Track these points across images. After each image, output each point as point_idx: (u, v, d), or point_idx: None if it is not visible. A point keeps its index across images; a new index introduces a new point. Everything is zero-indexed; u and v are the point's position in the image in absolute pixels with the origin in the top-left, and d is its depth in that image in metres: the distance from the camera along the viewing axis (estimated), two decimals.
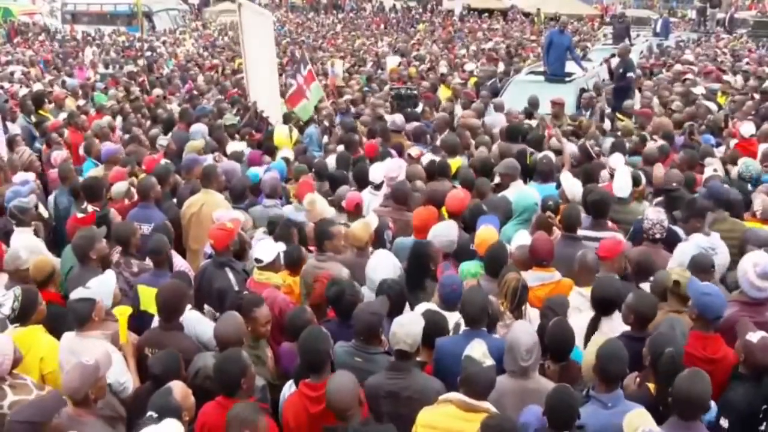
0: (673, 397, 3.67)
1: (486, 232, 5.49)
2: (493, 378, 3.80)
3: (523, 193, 6.64)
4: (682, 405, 3.64)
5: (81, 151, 9.02)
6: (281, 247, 5.39)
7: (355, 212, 6.39)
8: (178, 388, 3.75)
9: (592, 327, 4.63)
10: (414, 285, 5.23)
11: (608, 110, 11.81)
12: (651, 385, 4.04)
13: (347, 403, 3.69)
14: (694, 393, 3.62)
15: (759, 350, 4.10)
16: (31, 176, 7.57)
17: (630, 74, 12.03)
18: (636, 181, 6.70)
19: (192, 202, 6.79)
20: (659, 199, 6.82)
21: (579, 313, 4.90)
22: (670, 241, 5.72)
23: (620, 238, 5.52)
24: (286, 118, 10.90)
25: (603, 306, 4.67)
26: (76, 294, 4.58)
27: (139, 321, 5.21)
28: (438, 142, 9.19)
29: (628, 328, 4.53)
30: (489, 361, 3.78)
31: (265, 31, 11.36)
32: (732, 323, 4.58)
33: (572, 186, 6.70)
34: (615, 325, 4.61)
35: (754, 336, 4.16)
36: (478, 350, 3.82)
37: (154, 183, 6.80)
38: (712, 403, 3.86)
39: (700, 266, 4.96)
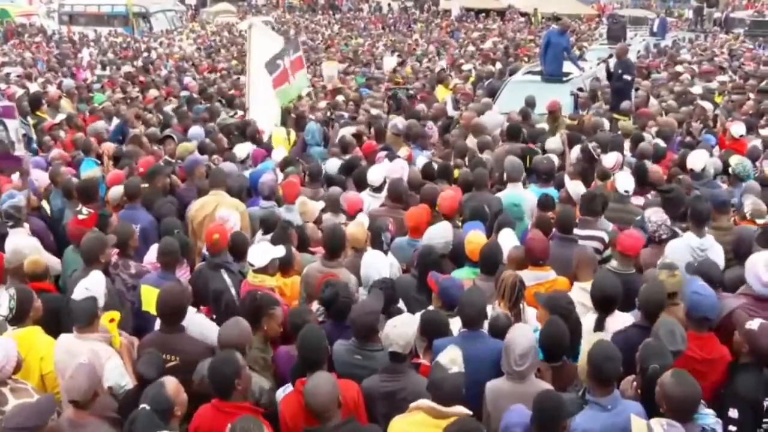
0: (666, 401, 3.66)
1: (476, 237, 5.47)
2: (458, 384, 3.74)
3: (511, 194, 6.73)
4: (676, 407, 3.63)
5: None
6: (276, 252, 5.35)
7: (357, 216, 6.37)
8: (170, 383, 3.75)
9: (598, 327, 4.63)
10: (423, 289, 5.20)
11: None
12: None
13: (324, 404, 3.68)
14: (684, 395, 3.62)
15: (761, 335, 4.11)
16: (43, 175, 7.58)
17: (626, 76, 12.00)
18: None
19: (203, 204, 6.74)
20: (650, 198, 6.84)
21: (585, 310, 4.89)
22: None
23: (638, 234, 5.48)
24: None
25: (604, 304, 4.67)
26: (77, 295, 4.56)
27: (139, 321, 5.22)
28: (436, 138, 9.22)
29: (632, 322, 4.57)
30: (456, 368, 3.75)
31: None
32: (739, 315, 4.62)
33: (576, 187, 6.71)
34: (619, 323, 4.61)
35: (754, 323, 4.18)
36: (446, 356, 3.81)
37: (140, 184, 6.79)
38: (708, 411, 3.85)
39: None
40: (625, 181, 6.61)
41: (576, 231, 5.94)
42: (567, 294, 4.81)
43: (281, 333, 4.73)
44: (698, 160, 7.22)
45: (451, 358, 3.80)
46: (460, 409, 3.72)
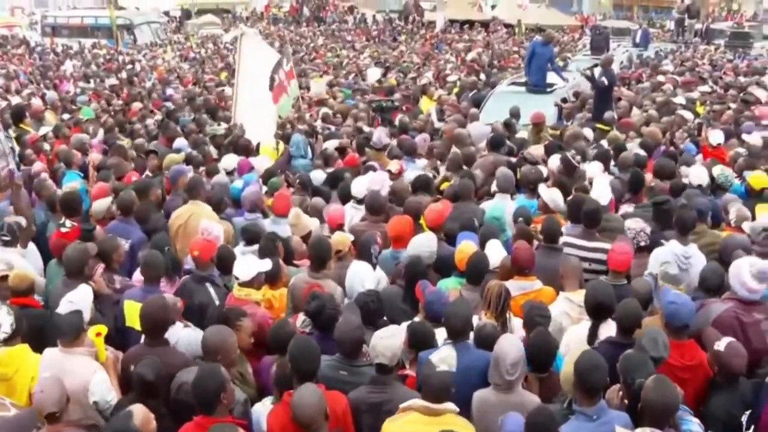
0: (644, 404, 3.70)
1: (467, 248, 5.49)
2: (446, 381, 3.82)
3: (493, 205, 6.79)
4: (653, 412, 3.67)
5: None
6: (263, 265, 5.33)
7: (338, 230, 6.36)
8: (138, 412, 3.68)
9: (592, 335, 4.64)
10: (409, 299, 5.24)
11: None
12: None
13: (311, 417, 3.67)
14: (663, 400, 3.66)
15: (729, 356, 4.18)
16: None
17: (605, 82, 12.01)
18: None
19: (179, 213, 6.75)
20: (633, 208, 6.88)
21: (571, 321, 4.96)
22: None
23: (628, 249, 5.47)
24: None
25: (597, 312, 4.68)
26: (62, 308, 4.51)
27: (123, 337, 5.18)
28: (424, 150, 9.22)
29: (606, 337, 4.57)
30: (444, 367, 3.81)
31: (269, 66, 11.30)
32: (726, 319, 4.70)
33: (552, 195, 6.73)
34: (613, 332, 4.60)
35: (721, 344, 4.24)
36: (437, 355, 3.87)
37: (135, 198, 6.76)
38: (692, 418, 3.88)
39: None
40: (600, 194, 6.62)
41: (579, 242, 5.96)
42: (543, 306, 4.82)
43: (252, 344, 4.72)
44: (702, 174, 7.25)
45: (442, 357, 3.87)
46: (451, 407, 3.77)
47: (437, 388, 3.80)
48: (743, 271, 4.79)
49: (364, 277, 5.18)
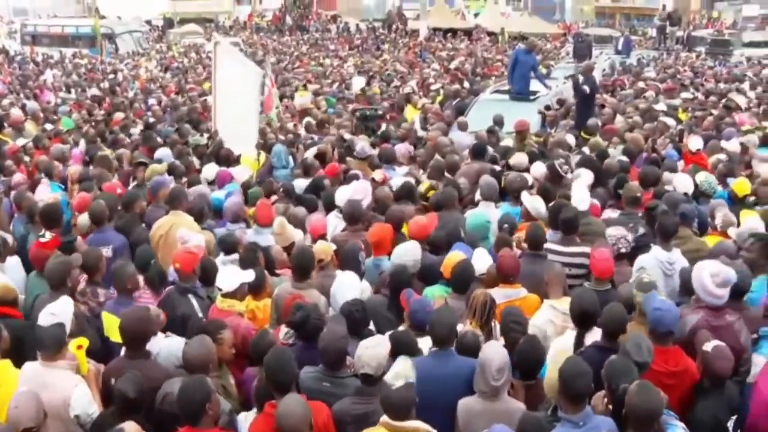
0: (627, 409, 3.70)
1: (455, 257, 5.47)
2: (406, 397, 3.77)
3: (474, 213, 6.79)
4: (637, 417, 3.66)
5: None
6: (246, 276, 5.29)
7: (320, 240, 6.34)
8: (131, 429, 3.64)
9: (578, 344, 4.64)
10: (394, 308, 5.22)
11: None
12: None
13: (296, 427, 3.63)
14: (646, 405, 3.65)
15: (714, 357, 4.20)
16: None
17: (587, 89, 12.06)
18: None
19: (161, 224, 6.72)
20: (616, 215, 6.90)
21: (555, 328, 4.97)
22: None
23: (608, 255, 5.46)
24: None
25: (582, 321, 4.67)
26: (43, 320, 4.45)
27: (104, 349, 5.11)
28: (405, 159, 9.22)
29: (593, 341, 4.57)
30: (400, 381, 3.77)
31: (250, 79, 11.29)
32: (697, 330, 4.67)
33: (534, 202, 6.73)
34: (599, 339, 4.59)
35: (709, 345, 4.26)
36: (392, 371, 3.83)
37: (104, 207, 6.71)
38: (677, 422, 3.89)
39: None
40: (580, 199, 6.64)
41: (559, 248, 5.97)
42: (519, 313, 4.82)
43: (236, 355, 4.70)
44: (687, 182, 7.30)
45: (396, 372, 3.83)
46: (418, 424, 3.72)
47: (397, 405, 3.74)
48: (705, 279, 4.77)
49: (346, 290, 5.13)
